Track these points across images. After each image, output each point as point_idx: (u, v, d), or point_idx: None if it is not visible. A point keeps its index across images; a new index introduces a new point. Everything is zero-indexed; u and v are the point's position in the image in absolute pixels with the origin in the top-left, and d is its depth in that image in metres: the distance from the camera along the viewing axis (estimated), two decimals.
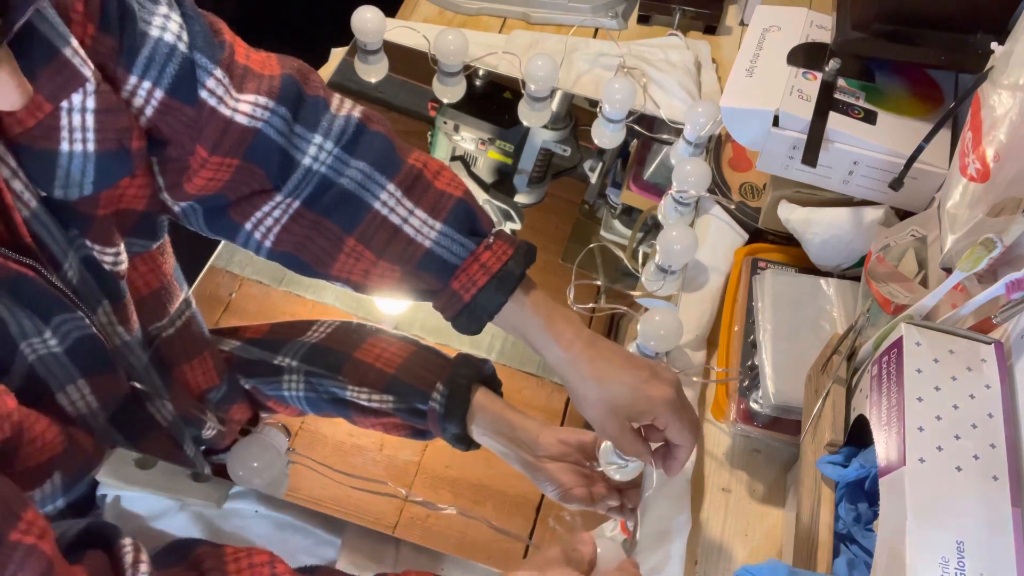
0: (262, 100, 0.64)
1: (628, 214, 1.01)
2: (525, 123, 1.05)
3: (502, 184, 1.04)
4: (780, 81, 0.83)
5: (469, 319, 0.68)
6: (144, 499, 0.73)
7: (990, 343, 0.60)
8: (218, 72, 0.62)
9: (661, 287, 0.89)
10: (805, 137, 0.79)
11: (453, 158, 1.06)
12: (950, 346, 0.60)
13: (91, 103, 0.56)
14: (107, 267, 0.64)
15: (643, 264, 0.93)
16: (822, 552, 0.62)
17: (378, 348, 0.81)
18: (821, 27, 0.91)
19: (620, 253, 0.94)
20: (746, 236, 0.95)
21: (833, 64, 0.78)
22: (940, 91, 0.86)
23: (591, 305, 0.90)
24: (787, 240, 0.91)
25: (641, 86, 1.08)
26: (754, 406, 0.80)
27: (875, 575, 0.55)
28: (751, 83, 0.85)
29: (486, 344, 0.89)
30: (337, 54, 1.12)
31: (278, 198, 0.68)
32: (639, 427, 0.68)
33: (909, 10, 0.79)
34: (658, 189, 0.97)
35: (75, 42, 0.54)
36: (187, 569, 0.56)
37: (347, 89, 1.09)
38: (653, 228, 0.93)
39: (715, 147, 1.00)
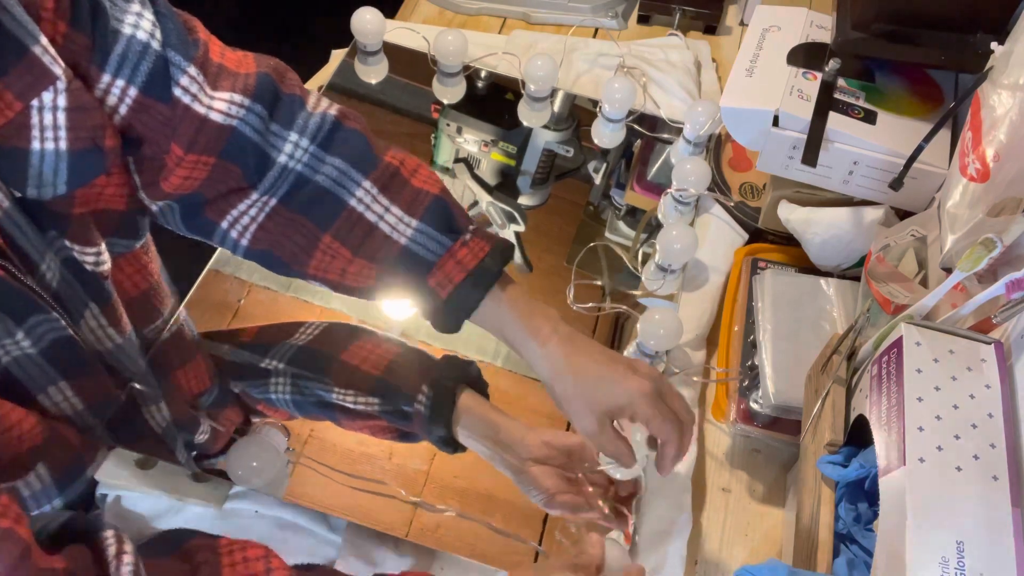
0: (237, 98, 0.64)
1: (632, 215, 1.01)
2: (525, 123, 1.05)
3: (505, 186, 1.04)
4: (780, 81, 0.83)
5: (447, 317, 0.68)
6: (144, 499, 0.73)
7: (990, 343, 0.60)
8: (192, 70, 0.62)
9: (661, 286, 0.89)
10: (805, 137, 0.79)
11: (456, 160, 1.06)
12: (950, 346, 0.60)
13: (62, 101, 0.55)
14: (89, 267, 0.64)
15: (644, 264, 0.93)
16: (822, 552, 0.62)
17: (365, 350, 0.81)
18: (821, 27, 0.91)
19: (622, 253, 0.94)
20: (746, 236, 0.95)
21: (833, 64, 0.78)
22: (940, 91, 0.86)
23: (591, 304, 0.90)
24: (787, 240, 0.91)
25: (641, 86, 1.08)
26: (754, 406, 0.80)
27: (875, 575, 0.55)
28: (751, 83, 0.85)
29: (492, 349, 0.89)
30: (337, 55, 1.13)
31: (254, 196, 0.67)
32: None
33: (909, 10, 0.79)
34: (662, 190, 0.97)
35: (45, 40, 0.54)
36: (178, 560, 0.55)
37: (348, 91, 1.09)
38: (657, 228, 0.93)
39: (715, 147, 1.01)
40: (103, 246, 0.65)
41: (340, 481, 0.75)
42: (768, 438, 0.81)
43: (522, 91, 1.04)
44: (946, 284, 0.61)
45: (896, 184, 0.77)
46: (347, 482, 0.75)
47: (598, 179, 1.06)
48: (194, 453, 0.77)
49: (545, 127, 1.05)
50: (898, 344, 0.61)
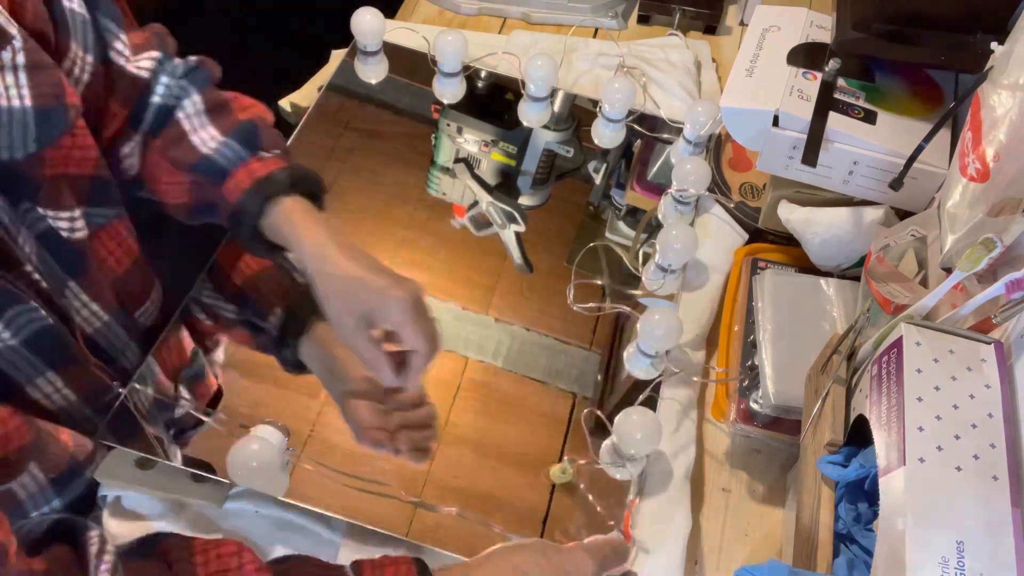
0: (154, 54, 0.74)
1: (633, 215, 1.01)
2: (525, 123, 1.05)
3: (505, 186, 1.04)
4: (780, 81, 0.83)
5: (240, 225, 0.71)
6: (144, 499, 0.73)
7: (990, 343, 0.60)
8: (123, 36, 0.71)
9: (661, 286, 0.89)
10: (805, 137, 0.79)
11: (456, 160, 1.06)
12: (950, 346, 0.60)
13: (21, 59, 0.58)
14: (64, 234, 0.65)
15: (644, 264, 0.93)
16: (822, 552, 0.62)
17: (240, 258, 0.84)
18: (821, 27, 0.91)
19: (622, 253, 0.94)
20: (746, 236, 0.95)
21: (833, 64, 0.78)
22: (940, 91, 0.86)
23: (591, 304, 0.90)
24: (787, 240, 0.91)
25: (641, 86, 1.08)
26: (754, 406, 0.80)
27: (875, 575, 0.55)
28: (751, 83, 0.85)
29: (492, 349, 0.89)
30: (337, 56, 1.13)
31: (136, 137, 0.74)
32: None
33: (909, 10, 0.79)
34: (662, 190, 0.97)
35: None
36: (154, 560, 0.57)
37: (348, 91, 1.09)
38: (657, 228, 0.93)
39: (715, 147, 1.01)
40: (77, 212, 0.67)
41: (340, 481, 0.75)
42: (768, 438, 0.81)
43: (522, 91, 1.04)
44: (946, 284, 0.61)
45: (896, 184, 0.77)
46: (347, 482, 0.75)
47: (598, 179, 1.06)
48: (172, 431, 0.78)
49: (545, 127, 1.06)
50: (898, 344, 0.61)
